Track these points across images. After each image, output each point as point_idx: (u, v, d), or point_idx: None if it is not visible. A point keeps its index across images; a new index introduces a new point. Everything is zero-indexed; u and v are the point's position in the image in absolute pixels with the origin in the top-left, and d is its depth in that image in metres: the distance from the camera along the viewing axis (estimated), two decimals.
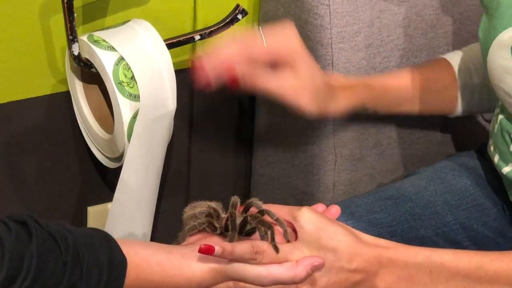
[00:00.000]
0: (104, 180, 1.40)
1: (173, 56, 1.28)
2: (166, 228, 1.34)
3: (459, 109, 1.32)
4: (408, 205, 1.21)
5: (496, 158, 1.19)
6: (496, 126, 1.19)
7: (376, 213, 1.19)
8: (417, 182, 1.26)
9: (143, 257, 0.97)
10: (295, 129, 1.40)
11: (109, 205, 1.37)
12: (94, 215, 1.41)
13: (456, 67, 1.33)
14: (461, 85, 1.32)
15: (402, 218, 1.19)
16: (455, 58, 1.33)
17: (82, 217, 1.41)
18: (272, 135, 1.47)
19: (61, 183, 1.38)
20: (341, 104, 1.23)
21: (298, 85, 1.18)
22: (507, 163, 1.16)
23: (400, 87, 1.31)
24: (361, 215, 1.18)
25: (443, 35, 1.40)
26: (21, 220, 0.90)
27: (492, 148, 1.20)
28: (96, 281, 0.91)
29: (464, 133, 1.46)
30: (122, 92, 1.19)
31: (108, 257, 0.93)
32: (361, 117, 1.35)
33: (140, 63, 1.19)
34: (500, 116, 1.18)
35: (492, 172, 1.23)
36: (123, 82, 1.19)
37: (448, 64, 1.32)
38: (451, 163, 1.30)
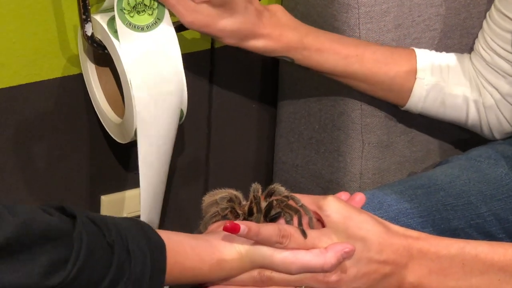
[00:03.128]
0: (117, 168, 1.41)
1: (190, 38, 1.30)
2: (184, 218, 1.35)
3: (410, 104, 1.33)
4: (440, 194, 1.21)
5: None
6: None
7: (406, 203, 1.19)
8: (449, 170, 1.27)
9: (176, 242, 0.98)
10: (320, 114, 1.39)
11: (122, 194, 1.41)
12: (108, 205, 1.42)
13: (423, 62, 1.33)
14: (429, 83, 1.34)
15: (433, 208, 1.19)
16: (426, 54, 1.34)
17: (95, 207, 1.42)
18: (295, 121, 1.46)
19: (74, 170, 1.39)
20: (259, 43, 1.24)
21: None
22: None
23: (339, 56, 1.31)
24: (390, 205, 1.18)
25: (477, 15, 1.39)
26: (59, 206, 0.92)
27: None
28: (142, 263, 0.93)
29: None
30: None
31: (148, 241, 0.95)
32: (389, 102, 1.35)
33: (140, 45, 1.20)
34: None
35: None
36: None
37: (412, 56, 1.33)
38: (486, 151, 1.30)
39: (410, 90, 1.32)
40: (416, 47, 1.35)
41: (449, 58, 1.34)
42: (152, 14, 1.21)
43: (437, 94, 1.31)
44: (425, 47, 1.36)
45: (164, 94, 1.21)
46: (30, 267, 0.87)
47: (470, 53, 1.34)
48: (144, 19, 1.21)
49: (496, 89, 1.29)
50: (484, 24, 1.30)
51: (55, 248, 0.89)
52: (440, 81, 1.31)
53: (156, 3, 1.22)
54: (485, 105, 1.31)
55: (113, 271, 0.91)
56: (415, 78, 1.32)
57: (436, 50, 1.34)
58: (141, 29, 1.20)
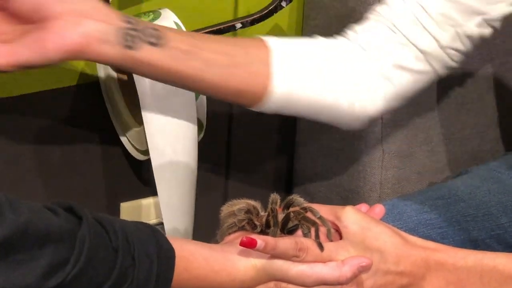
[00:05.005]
0: (137, 175, 1.41)
1: None
2: (203, 228, 1.35)
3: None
4: (460, 205, 1.21)
5: None
6: None
7: (425, 214, 1.19)
8: (469, 181, 1.27)
9: (189, 250, 0.98)
10: (346, 138, 1.39)
11: (142, 201, 1.42)
12: (127, 211, 1.42)
13: (277, 49, 1.22)
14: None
15: (453, 219, 1.20)
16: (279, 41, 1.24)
17: (114, 214, 1.41)
18: (315, 130, 1.47)
19: (93, 178, 1.39)
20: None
21: None
22: None
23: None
24: (409, 216, 1.19)
25: None
26: (67, 206, 0.92)
27: None
28: (147, 270, 0.93)
29: None
30: None
31: (157, 248, 0.95)
32: (410, 111, 1.34)
33: None
34: None
35: None
36: None
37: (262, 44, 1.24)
38: (506, 161, 1.30)
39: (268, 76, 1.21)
40: None
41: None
42: (149, 16, 1.25)
43: None
44: None
45: (174, 104, 1.22)
46: (29, 268, 0.86)
47: None
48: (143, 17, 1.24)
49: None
50: None
51: (56, 249, 0.88)
52: None
53: (151, 12, 1.25)
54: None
55: (115, 275, 0.91)
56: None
57: None
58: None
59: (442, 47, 1.17)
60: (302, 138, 1.50)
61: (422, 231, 1.16)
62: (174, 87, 1.21)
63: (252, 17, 1.31)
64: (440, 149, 1.42)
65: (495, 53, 1.36)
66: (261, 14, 1.31)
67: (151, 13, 1.25)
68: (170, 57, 1.12)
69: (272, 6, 1.31)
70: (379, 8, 1.20)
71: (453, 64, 1.18)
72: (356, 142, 1.38)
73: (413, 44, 1.18)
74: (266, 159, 1.54)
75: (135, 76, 1.20)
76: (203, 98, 1.24)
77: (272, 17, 1.34)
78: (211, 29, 1.29)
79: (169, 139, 1.22)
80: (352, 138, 1.39)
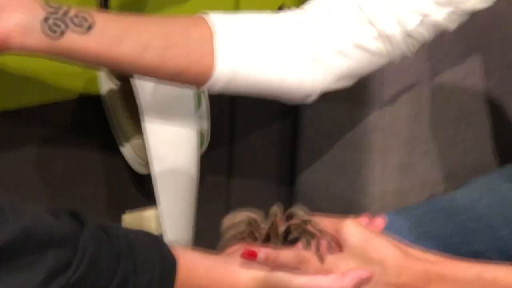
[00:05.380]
0: (138, 188, 1.41)
1: None
2: (204, 238, 1.33)
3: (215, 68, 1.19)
4: (461, 217, 1.22)
5: None
6: None
7: (426, 226, 1.20)
8: (469, 193, 1.28)
9: (190, 260, 0.98)
10: (341, 135, 1.40)
11: (144, 212, 1.42)
12: (129, 223, 1.42)
13: (220, 27, 1.19)
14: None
15: (454, 231, 1.21)
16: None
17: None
18: (316, 142, 1.48)
19: (95, 189, 1.39)
20: None
21: None
22: None
23: None
24: (410, 228, 1.20)
25: None
26: (70, 211, 0.93)
27: None
28: (149, 278, 0.93)
29: None
30: None
31: (160, 256, 0.95)
32: (410, 124, 1.36)
33: None
34: None
35: None
36: None
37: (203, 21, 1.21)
38: (506, 173, 1.32)
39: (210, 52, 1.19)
40: None
41: None
42: None
43: None
44: None
45: (174, 115, 1.22)
46: (31, 273, 0.87)
47: None
48: None
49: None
50: None
51: (58, 253, 0.88)
52: None
53: None
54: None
55: (116, 281, 0.91)
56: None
57: None
58: None
59: (405, 33, 1.17)
60: (304, 150, 1.51)
61: (422, 243, 1.15)
62: (174, 98, 1.22)
63: None
64: (440, 162, 1.43)
65: (494, 67, 1.36)
66: None
67: None
68: (97, 43, 1.11)
69: None
70: None
71: (409, 54, 1.18)
72: (357, 155, 1.39)
73: (376, 25, 1.17)
74: (268, 170, 1.55)
75: (136, 88, 1.20)
76: (205, 110, 1.25)
77: None
78: None
79: (169, 149, 1.23)
80: (353, 151, 1.40)
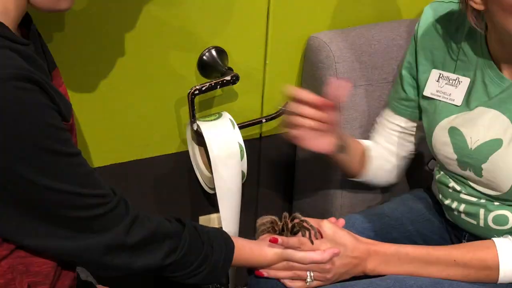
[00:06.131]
0: (208, 201, 1.38)
1: (248, 131, 1.29)
2: (243, 231, 1.31)
3: (362, 175, 1.19)
4: (385, 219, 1.20)
5: (440, 195, 1.15)
6: (437, 178, 1.14)
7: (366, 224, 1.18)
8: (391, 205, 1.25)
9: (239, 243, 0.98)
10: (321, 173, 1.36)
11: (211, 216, 1.38)
12: (203, 222, 1.39)
13: (373, 150, 1.19)
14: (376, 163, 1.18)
15: (382, 227, 1.19)
16: (369, 143, 1.19)
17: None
18: (308, 180, 1.41)
19: (185, 202, 1.36)
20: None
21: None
22: (446, 198, 1.13)
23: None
24: (358, 225, 1.17)
25: None
26: (177, 218, 0.93)
27: (436, 187, 1.17)
28: (219, 254, 0.93)
29: (417, 177, 1.36)
30: None
31: (224, 241, 0.95)
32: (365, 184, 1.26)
33: (221, 135, 1.18)
34: (440, 172, 1.13)
35: (436, 201, 1.20)
36: None
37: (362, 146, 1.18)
38: (410, 195, 1.27)
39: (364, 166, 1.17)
40: None
41: None
42: (214, 116, 1.22)
43: None
44: None
45: (230, 161, 1.18)
46: (156, 253, 0.85)
47: None
48: (211, 118, 1.21)
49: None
50: None
51: (170, 243, 0.87)
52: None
53: (217, 113, 1.22)
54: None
55: (201, 257, 0.91)
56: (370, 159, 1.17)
57: None
58: (211, 120, 1.20)
59: None
60: (300, 183, 1.44)
61: (365, 233, 1.13)
62: (229, 153, 1.15)
63: (271, 116, 1.30)
64: (373, 189, 1.34)
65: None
66: (276, 114, 1.29)
67: (216, 114, 1.23)
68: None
69: (280, 110, 1.27)
70: None
71: None
72: (327, 184, 1.34)
73: None
74: (278, 191, 1.46)
75: (207, 146, 1.17)
76: (245, 160, 1.20)
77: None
78: (247, 123, 1.27)
79: (225, 180, 1.20)
80: (326, 182, 1.34)
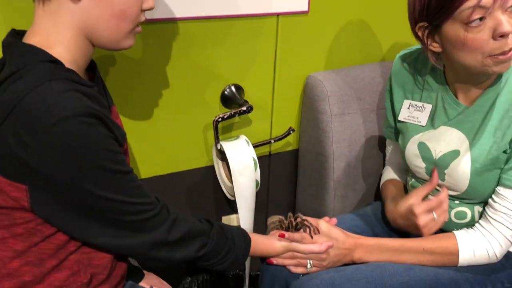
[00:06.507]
0: (229, 205, 1.36)
1: (260, 150, 1.29)
2: (257, 227, 1.30)
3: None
4: (369, 219, 1.18)
5: None
6: (410, 184, 1.12)
7: (354, 222, 1.16)
8: (373, 208, 1.21)
9: (255, 238, 0.98)
10: (315, 181, 1.34)
11: (231, 216, 1.35)
12: (225, 221, 1.37)
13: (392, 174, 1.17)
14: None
15: (366, 224, 1.16)
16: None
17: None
18: (307, 189, 1.37)
19: (211, 206, 1.33)
20: None
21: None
22: None
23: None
24: (347, 223, 1.15)
25: None
26: (206, 219, 0.93)
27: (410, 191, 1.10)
28: (239, 248, 0.93)
29: None
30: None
31: (243, 237, 0.95)
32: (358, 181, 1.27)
33: (239, 152, 1.18)
34: (412, 179, 1.11)
35: None
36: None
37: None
38: (376, 205, 1.22)
39: None
40: None
41: None
42: (234, 138, 1.20)
43: None
44: None
45: (246, 172, 1.17)
46: (190, 247, 0.85)
47: None
48: (231, 140, 1.20)
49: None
50: None
51: (201, 239, 0.87)
52: None
53: (235, 136, 1.20)
54: None
55: (225, 250, 0.91)
56: None
57: None
58: (231, 141, 1.19)
59: None
60: (301, 187, 1.40)
61: (353, 230, 1.10)
62: (245, 166, 1.14)
63: (277, 138, 1.29)
64: (359, 195, 1.34)
65: None
66: (282, 137, 1.29)
67: (235, 136, 1.22)
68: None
69: (287, 133, 1.29)
70: None
71: None
72: (323, 192, 1.31)
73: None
74: (284, 196, 1.43)
75: (229, 162, 1.16)
76: (259, 172, 1.18)
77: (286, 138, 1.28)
78: (259, 143, 1.26)
79: (243, 188, 1.18)
80: (321, 190, 1.32)
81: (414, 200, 0.98)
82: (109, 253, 0.83)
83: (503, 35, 0.85)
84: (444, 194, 0.97)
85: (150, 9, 0.80)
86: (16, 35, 0.77)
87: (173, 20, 1.08)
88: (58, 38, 0.74)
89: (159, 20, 1.06)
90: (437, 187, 1.02)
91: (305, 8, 1.18)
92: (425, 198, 1.01)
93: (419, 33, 0.93)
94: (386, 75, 1.26)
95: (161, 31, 1.08)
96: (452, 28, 0.87)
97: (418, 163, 1.05)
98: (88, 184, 0.72)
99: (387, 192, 1.12)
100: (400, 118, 1.07)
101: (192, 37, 1.11)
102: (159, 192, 0.91)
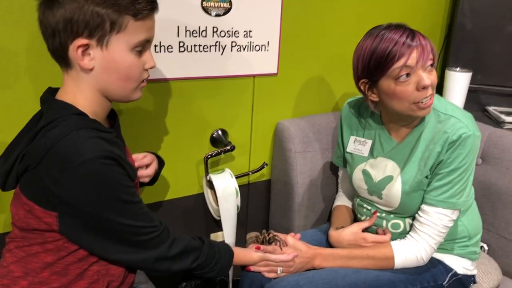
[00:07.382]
0: (216, 224, 1.33)
1: (241, 180, 1.29)
2: (239, 243, 1.30)
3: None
4: (325, 234, 1.15)
5: (358, 214, 1.12)
6: (356, 202, 1.13)
7: (314, 236, 1.15)
8: (326, 226, 1.19)
9: (237, 251, 0.97)
10: (284, 202, 1.33)
11: (218, 233, 1.33)
12: (213, 238, 1.34)
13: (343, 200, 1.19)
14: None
15: (323, 238, 1.15)
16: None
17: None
18: (278, 211, 1.37)
19: (201, 224, 1.31)
20: None
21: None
22: (362, 215, 1.11)
23: None
24: (308, 237, 1.14)
25: None
26: (198, 237, 0.92)
27: (356, 209, 1.13)
28: (224, 260, 0.92)
29: None
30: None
31: (228, 252, 0.94)
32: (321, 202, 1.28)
33: (224, 182, 1.18)
34: (357, 199, 1.12)
35: (357, 218, 1.14)
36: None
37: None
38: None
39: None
40: None
41: None
42: (220, 171, 1.21)
43: None
44: None
45: (230, 198, 1.17)
46: (186, 260, 0.84)
47: None
48: (218, 172, 1.20)
49: None
50: None
51: (195, 254, 0.86)
52: None
53: (221, 169, 1.21)
54: None
55: (214, 261, 0.89)
56: None
57: None
58: (218, 174, 1.19)
59: None
60: (273, 209, 1.38)
61: (313, 243, 1.09)
62: (229, 193, 1.14)
63: (254, 171, 1.29)
64: (318, 215, 1.33)
65: None
66: (257, 170, 1.29)
67: (221, 170, 1.22)
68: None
69: (261, 167, 1.29)
70: None
71: None
72: (290, 213, 1.30)
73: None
74: (259, 217, 1.41)
75: (216, 190, 1.16)
76: (239, 199, 1.19)
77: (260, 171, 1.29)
78: (240, 174, 1.26)
79: (226, 211, 1.18)
80: (288, 210, 1.31)
81: (355, 229, 1.03)
82: (122, 265, 0.83)
83: (425, 87, 0.91)
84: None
85: (152, 67, 0.80)
86: (52, 91, 0.81)
87: (174, 80, 1.12)
88: (81, 96, 0.77)
89: (162, 80, 1.10)
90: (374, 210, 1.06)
91: (275, 71, 1.24)
92: (365, 230, 1.06)
93: (361, 87, 0.99)
94: (338, 121, 1.24)
95: (163, 88, 1.12)
96: (386, 83, 0.93)
97: (362, 185, 1.08)
98: (107, 212, 0.74)
99: (333, 219, 1.14)
100: (348, 150, 1.11)
101: (188, 92, 1.15)
102: (160, 214, 0.95)
